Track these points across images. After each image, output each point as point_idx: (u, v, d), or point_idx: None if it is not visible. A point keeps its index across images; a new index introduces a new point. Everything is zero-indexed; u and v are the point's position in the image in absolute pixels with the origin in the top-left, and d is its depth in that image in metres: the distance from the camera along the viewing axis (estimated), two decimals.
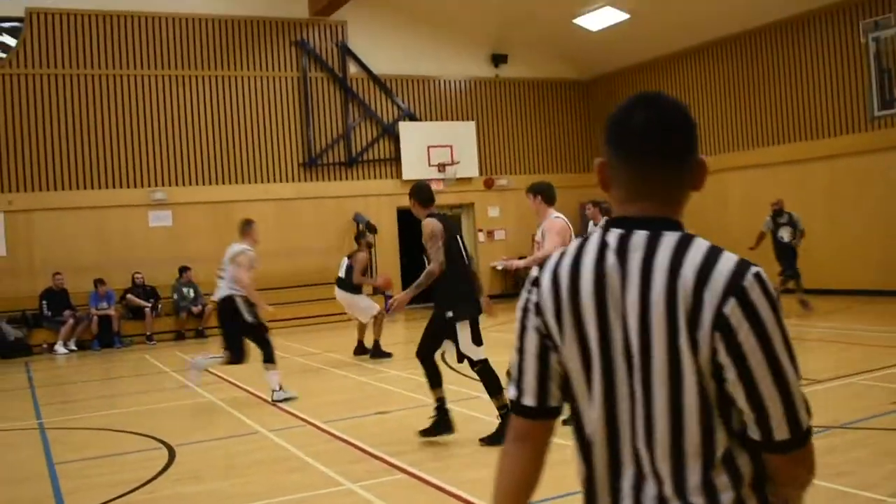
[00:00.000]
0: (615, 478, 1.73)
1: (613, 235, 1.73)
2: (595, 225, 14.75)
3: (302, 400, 9.44)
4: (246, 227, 9.91)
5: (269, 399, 9.47)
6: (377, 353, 12.66)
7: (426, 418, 7.25)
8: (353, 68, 20.97)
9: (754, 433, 1.62)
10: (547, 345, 1.80)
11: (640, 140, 1.76)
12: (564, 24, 20.33)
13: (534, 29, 21.20)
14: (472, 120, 22.20)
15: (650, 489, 1.67)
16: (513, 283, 22.05)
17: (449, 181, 21.47)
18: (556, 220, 7.67)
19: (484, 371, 7.12)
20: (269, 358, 9.46)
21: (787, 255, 14.48)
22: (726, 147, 19.99)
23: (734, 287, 1.59)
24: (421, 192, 7.50)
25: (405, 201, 20.64)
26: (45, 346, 16.61)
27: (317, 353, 13.78)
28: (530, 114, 23.40)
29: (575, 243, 1.80)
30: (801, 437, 1.61)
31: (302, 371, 11.87)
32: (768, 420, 1.60)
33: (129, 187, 18.54)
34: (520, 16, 20.47)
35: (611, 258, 1.70)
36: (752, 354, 1.58)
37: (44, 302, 16.79)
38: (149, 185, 18.69)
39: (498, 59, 22.62)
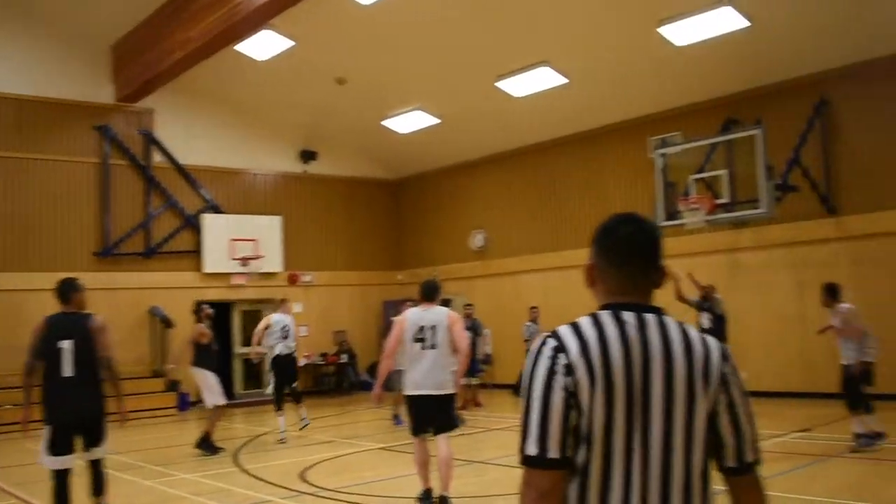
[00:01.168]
0: None
1: (628, 315, 2.22)
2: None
3: None
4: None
5: None
6: (207, 446, 12.21)
7: None
8: (157, 157, 20.42)
9: (732, 462, 2.24)
10: (570, 403, 2.13)
11: (630, 250, 2.31)
12: (374, 125, 20.70)
13: (344, 128, 21.47)
14: (279, 215, 22.01)
15: None
16: (313, 380, 21.71)
17: (252, 276, 21.09)
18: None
19: None
20: None
21: None
22: (526, 250, 20.70)
23: (725, 353, 2.25)
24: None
25: (206, 294, 20.25)
26: None
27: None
28: (338, 211, 23.47)
29: (586, 319, 2.23)
30: (760, 457, 2.26)
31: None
32: (744, 446, 2.23)
33: None
34: (330, 114, 20.69)
35: (632, 331, 2.19)
36: (738, 399, 2.23)
37: None
38: None
39: (307, 156, 22.66)
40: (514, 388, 13.50)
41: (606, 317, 2.22)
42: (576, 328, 2.20)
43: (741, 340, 14.51)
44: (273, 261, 21.51)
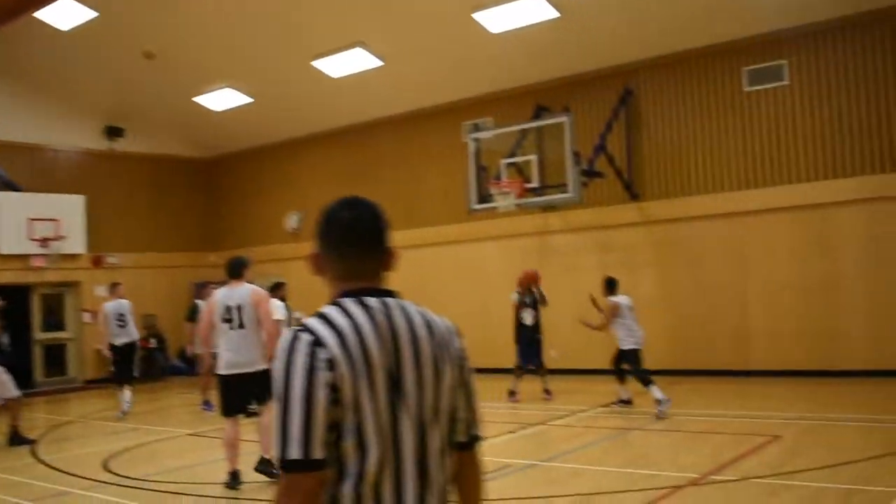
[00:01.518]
0: (399, 495, 2.11)
1: (372, 301, 2.21)
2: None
3: None
4: None
5: None
6: (19, 440, 11.58)
7: None
8: None
9: (463, 436, 2.31)
10: (333, 398, 2.05)
11: (352, 235, 2.31)
12: (185, 102, 20.02)
13: (153, 104, 20.64)
14: (83, 194, 20.97)
15: (431, 498, 2.16)
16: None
17: (52, 257, 20.02)
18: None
19: None
20: None
21: (530, 342, 13.38)
22: None
23: (458, 332, 2.36)
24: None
25: (1, 277, 19.08)
26: None
27: None
28: (147, 190, 22.59)
29: (333, 309, 2.17)
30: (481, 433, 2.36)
31: None
32: (475, 421, 2.33)
33: None
34: (139, 90, 19.84)
35: (380, 317, 2.18)
36: (469, 376, 2.33)
37: None
38: None
39: (114, 132, 21.65)
40: None
41: (352, 304, 2.19)
42: (326, 319, 2.13)
43: (552, 320, 15.00)
44: (76, 242, 20.48)
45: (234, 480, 7.93)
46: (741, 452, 8.39)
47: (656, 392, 10.76)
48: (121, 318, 13.92)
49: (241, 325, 7.98)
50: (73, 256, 20.56)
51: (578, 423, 11.00)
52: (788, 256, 14.34)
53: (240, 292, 8.11)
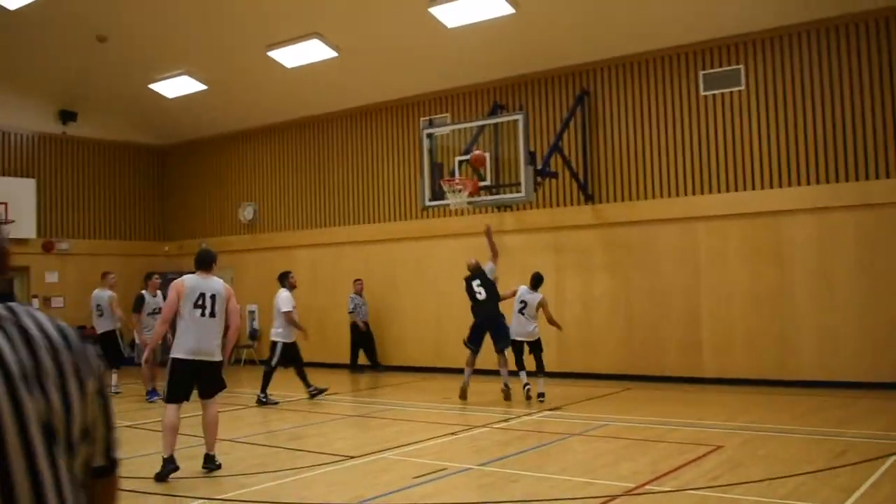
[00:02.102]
0: None
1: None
2: (154, 295, 14.38)
3: None
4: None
5: None
6: None
7: None
8: None
9: (101, 461, 1.81)
10: None
11: None
12: (140, 87, 19.67)
13: (107, 89, 20.26)
14: (33, 177, 20.58)
15: None
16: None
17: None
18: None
19: None
20: None
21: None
22: (297, 224, 20.41)
23: (86, 343, 1.78)
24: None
25: None
26: None
27: None
28: (100, 176, 22.23)
29: None
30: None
31: None
32: (112, 445, 1.84)
33: None
34: (92, 74, 19.45)
35: (7, 325, 1.70)
36: (107, 392, 1.81)
37: None
38: None
39: (66, 116, 21.24)
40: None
41: None
42: None
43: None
44: (25, 226, 20.07)
45: (169, 465, 7.78)
46: (681, 462, 8.32)
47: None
48: (98, 308, 14.56)
49: (213, 314, 8.06)
50: (22, 241, 20.15)
51: (521, 427, 10.90)
52: (740, 263, 14.34)
53: (214, 283, 8.22)
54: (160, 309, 13.53)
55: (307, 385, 13.65)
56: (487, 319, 13.01)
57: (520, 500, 7.05)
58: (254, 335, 20.93)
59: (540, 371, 13.15)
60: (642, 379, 14.97)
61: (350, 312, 17.82)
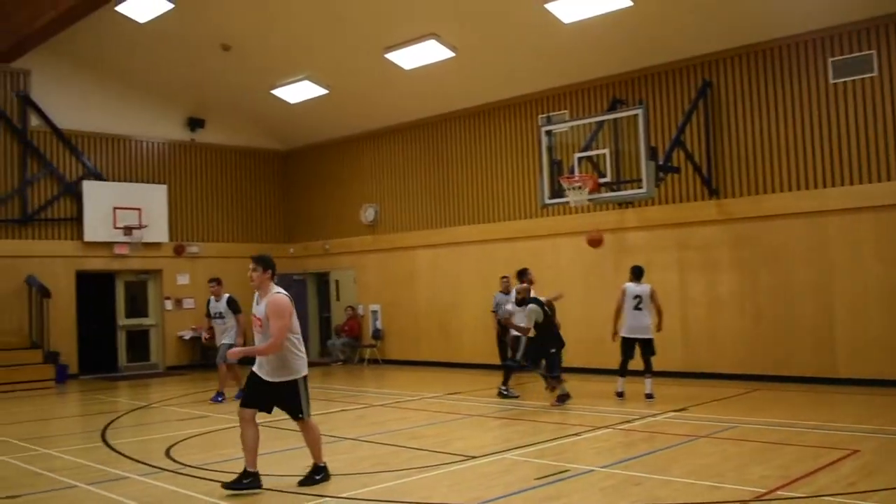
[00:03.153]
0: None
1: None
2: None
3: None
4: None
5: None
6: None
7: None
8: (34, 121, 19.53)
9: None
10: None
11: None
12: (263, 94, 20.19)
13: (232, 96, 20.88)
14: (164, 183, 21.37)
15: None
16: (199, 353, 21.28)
17: (135, 246, 20.44)
18: (278, 296, 7.66)
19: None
20: None
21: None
22: (417, 225, 20.55)
23: None
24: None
25: (85, 264, 19.58)
26: None
27: None
28: (227, 181, 22.93)
29: None
30: None
31: None
32: None
33: None
34: (217, 82, 20.09)
35: None
36: None
37: None
38: None
39: (195, 124, 22.01)
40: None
41: None
42: None
43: None
44: (158, 231, 20.89)
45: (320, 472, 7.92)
46: (814, 467, 7.97)
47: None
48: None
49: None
50: (156, 245, 20.97)
51: (645, 428, 10.67)
52: (875, 259, 13.67)
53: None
54: (220, 314, 14.38)
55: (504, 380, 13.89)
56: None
57: (642, 503, 6.89)
58: (377, 335, 21.17)
59: (648, 371, 13.00)
60: (770, 379, 14.47)
61: (493, 311, 17.53)
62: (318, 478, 7.80)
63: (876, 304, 13.61)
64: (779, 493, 7.09)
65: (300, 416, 7.71)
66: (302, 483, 7.74)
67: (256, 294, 7.79)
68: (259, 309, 7.68)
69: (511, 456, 8.96)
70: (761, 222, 14.85)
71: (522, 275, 13.83)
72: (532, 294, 13.28)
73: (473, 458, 8.88)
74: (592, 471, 8.21)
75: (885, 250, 13.54)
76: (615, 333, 13.13)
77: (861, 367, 13.70)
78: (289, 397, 7.67)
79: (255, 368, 7.76)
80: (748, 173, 15.06)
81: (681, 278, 15.56)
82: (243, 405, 7.72)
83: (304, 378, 7.75)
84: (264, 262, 7.71)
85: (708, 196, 15.43)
